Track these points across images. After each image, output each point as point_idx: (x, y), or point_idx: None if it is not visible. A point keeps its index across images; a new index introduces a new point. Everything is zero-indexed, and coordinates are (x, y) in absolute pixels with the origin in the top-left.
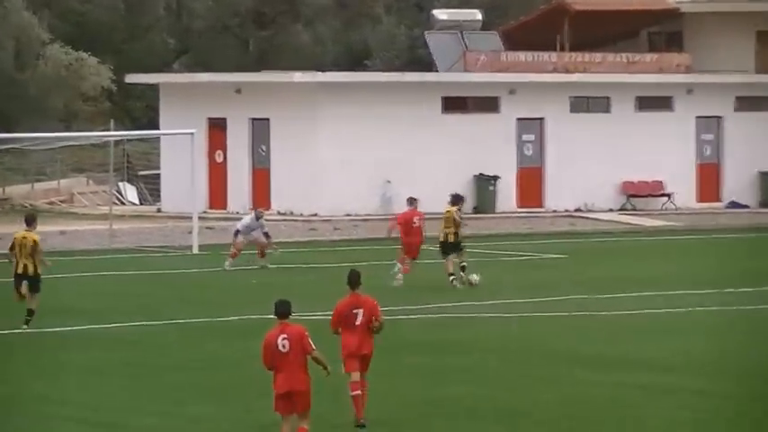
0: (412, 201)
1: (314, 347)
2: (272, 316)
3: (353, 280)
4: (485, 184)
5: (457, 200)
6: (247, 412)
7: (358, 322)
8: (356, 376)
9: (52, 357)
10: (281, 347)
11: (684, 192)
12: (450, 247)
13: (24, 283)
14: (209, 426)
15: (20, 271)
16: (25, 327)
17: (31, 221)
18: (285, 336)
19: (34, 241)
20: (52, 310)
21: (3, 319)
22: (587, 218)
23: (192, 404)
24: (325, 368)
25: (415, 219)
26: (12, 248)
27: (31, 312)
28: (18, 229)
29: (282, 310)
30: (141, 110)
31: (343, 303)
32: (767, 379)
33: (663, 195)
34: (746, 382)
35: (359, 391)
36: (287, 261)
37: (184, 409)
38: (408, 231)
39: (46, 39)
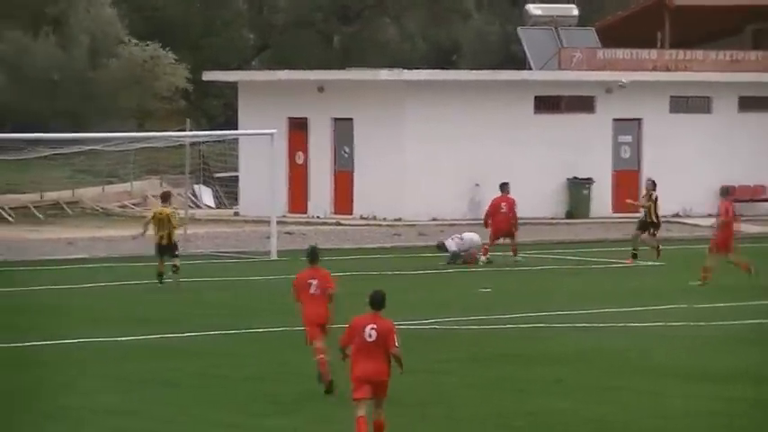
0: (503, 186)
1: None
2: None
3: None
4: (578, 187)
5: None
6: (325, 424)
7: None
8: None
9: (122, 367)
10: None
11: None
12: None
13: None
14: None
15: (162, 242)
16: (171, 278)
17: (166, 198)
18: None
19: (168, 216)
20: (127, 319)
21: (73, 328)
22: (685, 223)
23: (268, 416)
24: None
25: (503, 204)
26: (148, 223)
27: (175, 268)
28: (89, 233)
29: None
30: (219, 109)
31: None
32: None
33: (766, 200)
34: None
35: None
36: (373, 268)
37: (260, 422)
38: (495, 216)
39: (124, 37)
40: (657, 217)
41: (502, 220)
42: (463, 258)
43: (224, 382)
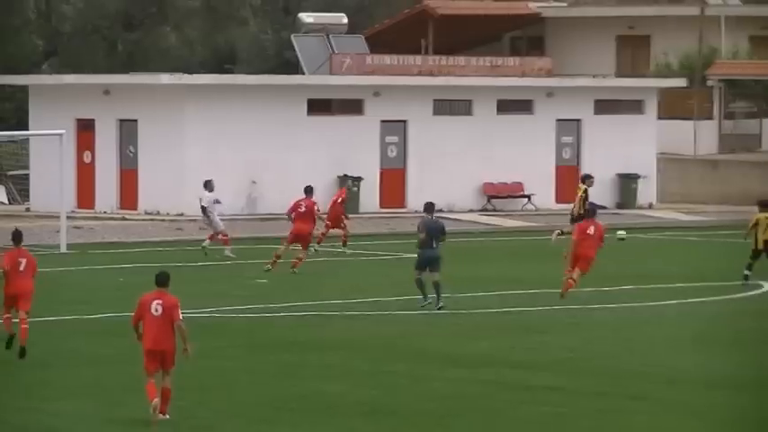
0: (308, 190)
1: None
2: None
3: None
4: (348, 184)
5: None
6: (114, 407)
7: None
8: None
9: None
10: (153, 311)
11: (543, 193)
12: None
13: None
14: (73, 421)
15: None
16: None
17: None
18: (160, 302)
19: None
20: None
21: None
22: (449, 218)
23: (58, 400)
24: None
25: (303, 204)
26: None
27: None
28: None
29: (162, 280)
30: (11, 111)
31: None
32: (611, 375)
33: (522, 196)
34: (595, 378)
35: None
36: (153, 260)
37: (48, 405)
38: (298, 217)
39: None
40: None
41: (304, 220)
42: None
43: (11, 368)
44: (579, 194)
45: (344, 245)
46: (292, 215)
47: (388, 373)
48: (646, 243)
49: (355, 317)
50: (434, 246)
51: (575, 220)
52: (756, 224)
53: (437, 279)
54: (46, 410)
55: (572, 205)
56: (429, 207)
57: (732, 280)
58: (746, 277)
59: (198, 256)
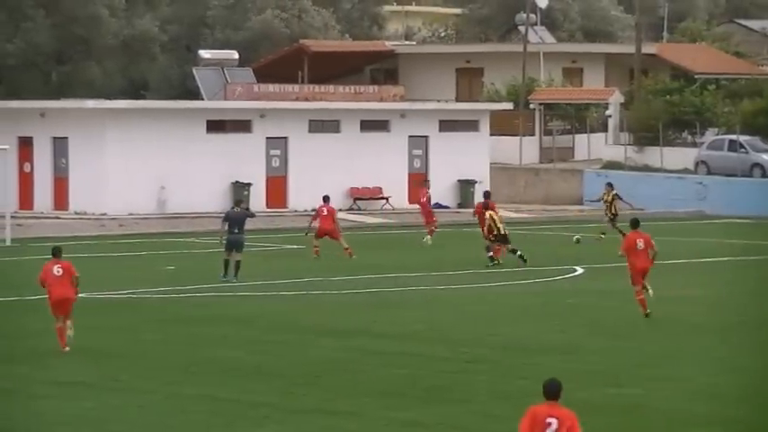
0: (326, 198)
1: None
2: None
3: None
4: (240, 189)
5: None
6: (51, 371)
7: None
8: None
9: None
10: (55, 272)
11: (398, 195)
12: None
13: None
14: (19, 382)
15: None
16: None
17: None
18: (60, 267)
19: None
20: None
21: None
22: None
23: (2, 364)
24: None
25: (325, 209)
26: None
27: None
28: None
29: (56, 251)
30: None
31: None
32: (454, 343)
33: (382, 198)
34: (451, 347)
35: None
36: (82, 252)
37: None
38: (322, 218)
39: None
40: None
41: (328, 221)
42: None
43: None
44: (607, 198)
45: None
46: (317, 218)
47: (274, 342)
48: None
49: (247, 296)
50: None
51: (612, 219)
52: None
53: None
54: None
55: (603, 208)
56: (237, 202)
57: (553, 265)
58: None
59: (118, 247)
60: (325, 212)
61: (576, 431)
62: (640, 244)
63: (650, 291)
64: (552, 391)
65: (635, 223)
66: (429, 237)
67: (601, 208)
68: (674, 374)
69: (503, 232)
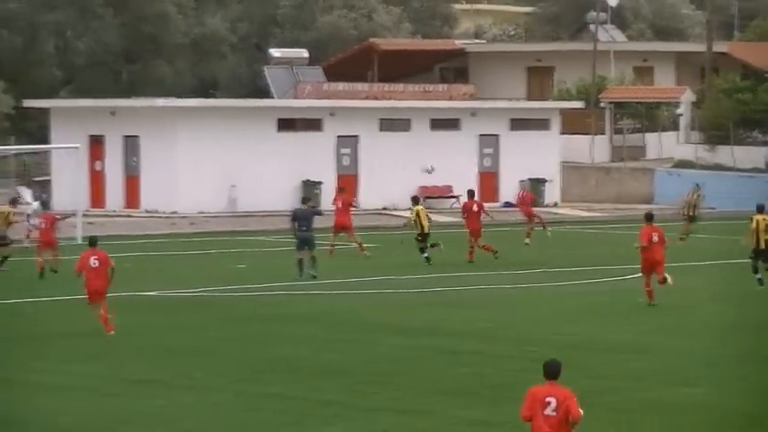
0: (341, 189)
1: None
2: (144, 293)
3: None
4: (311, 188)
5: None
6: (124, 369)
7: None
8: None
9: None
10: (92, 263)
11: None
12: None
13: None
14: (93, 380)
15: None
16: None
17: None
18: (97, 258)
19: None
20: None
21: None
22: (392, 214)
23: (78, 363)
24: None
25: (474, 206)
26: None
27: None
28: None
29: (93, 241)
30: (36, 128)
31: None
32: (520, 342)
33: (451, 197)
34: (518, 345)
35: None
36: (152, 250)
37: (71, 367)
38: (470, 217)
39: None
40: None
41: (474, 219)
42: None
43: (38, 338)
44: (692, 198)
45: (543, 230)
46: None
47: (342, 340)
48: (553, 234)
49: (315, 295)
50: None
51: (690, 220)
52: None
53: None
54: (59, 371)
55: (682, 208)
56: (304, 200)
57: (621, 264)
58: (760, 281)
59: (188, 245)
60: (340, 205)
61: (573, 408)
62: (655, 237)
63: (670, 280)
64: (552, 371)
65: (649, 217)
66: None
67: (678, 208)
68: (746, 374)
69: (426, 231)
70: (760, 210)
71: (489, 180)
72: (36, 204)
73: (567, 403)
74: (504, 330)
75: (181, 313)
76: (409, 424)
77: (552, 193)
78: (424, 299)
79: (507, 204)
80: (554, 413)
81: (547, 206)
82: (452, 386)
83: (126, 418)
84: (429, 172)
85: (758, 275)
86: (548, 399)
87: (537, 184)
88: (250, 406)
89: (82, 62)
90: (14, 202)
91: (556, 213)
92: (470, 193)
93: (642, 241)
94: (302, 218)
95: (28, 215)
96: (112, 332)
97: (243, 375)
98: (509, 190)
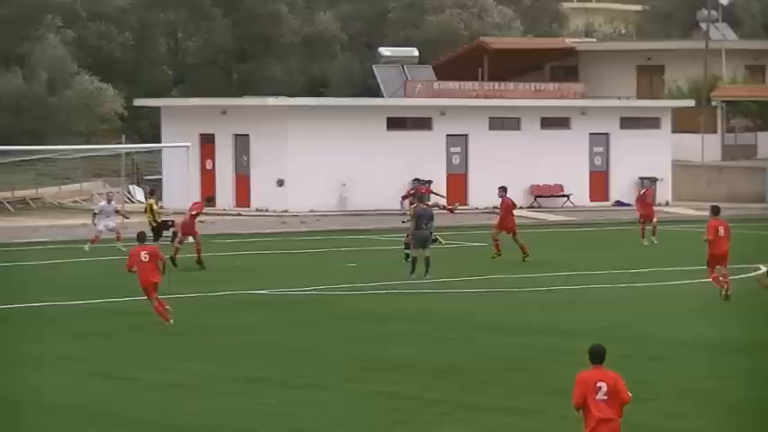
0: (504, 189)
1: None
2: (256, 291)
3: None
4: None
5: None
6: (236, 367)
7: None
8: None
9: (73, 324)
10: (143, 258)
11: (580, 193)
12: None
13: None
14: (206, 379)
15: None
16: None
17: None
18: (147, 252)
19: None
20: (79, 287)
21: (37, 295)
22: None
23: (191, 362)
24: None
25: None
26: None
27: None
28: (49, 222)
29: (141, 236)
30: (147, 127)
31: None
32: (635, 341)
33: (562, 196)
34: (633, 345)
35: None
36: (263, 248)
37: (185, 366)
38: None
39: (75, 70)
40: None
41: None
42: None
43: (153, 335)
44: None
45: (652, 233)
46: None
47: (451, 339)
48: (663, 234)
49: (426, 294)
50: (426, 228)
51: None
52: None
53: (428, 255)
54: (174, 369)
55: None
56: (420, 199)
57: (739, 263)
58: None
59: (299, 244)
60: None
61: (623, 390)
62: (721, 231)
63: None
64: (599, 355)
65: (716, 211)
66: (651, 236)
67: None
68: None
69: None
70: None
71: (600, 179)
72: (103, 203)
73: (618, 386)
74: (619, 330)
75: (291, 312)
76: (520, 423)
77: (663, 191)
78: (536, 298)
79: (618, 203)
80: (605, 397)
81: (658, 205)
82: (564, 385)
83: (239, 416)
84: (280, 185)
85: None
86: (599, 384)
87: (648, 183)
88: (361, 404)
89: (193, 61)
90: (153, 193)
91: (667, 212)
92: (503, 190)
93: (708, 234)
94: (423, 216)
95: (95, 214)
96: (171, 321)
97: (353, 374)
98: (619, 189)
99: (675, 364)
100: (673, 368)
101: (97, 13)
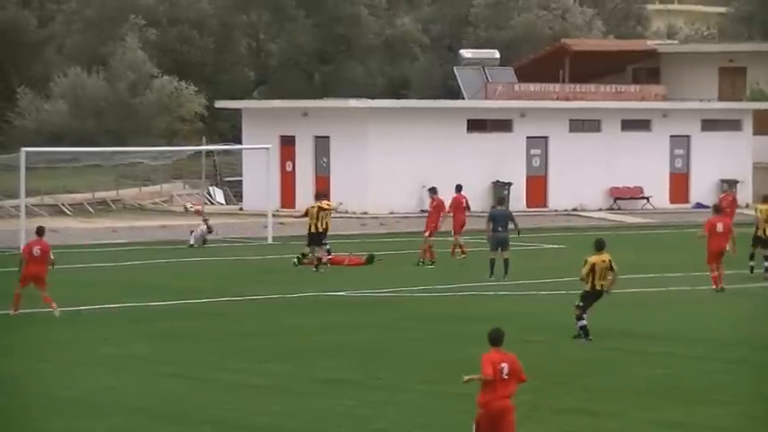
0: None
1: None
2: (333, 293)
3: None
4: (500, 188)
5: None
6: (314, 369)
7: None
8: None
9: (153, 325)
10: (35, 253)
11: (660, 195)
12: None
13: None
14: (284, 380)
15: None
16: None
17: (321, 197)
18: (39, 248)
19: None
20: (158, 289)
21: (116, 296)
22: (581, 216)
23: (270, 363)
24: None
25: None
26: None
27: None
28: (129, 223)
29: (40, 230)
30: (227, 129)
31: None
32: (712, 343)
33: (642, 198)
34: (713, 347)
35: None
36: (342, 250)
37: (263, 367)
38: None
39: (155, 72)
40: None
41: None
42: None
43: (231, 336)
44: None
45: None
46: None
47: (531, 341)
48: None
49: (506, 296)
50: (503, 230)
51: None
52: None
53: (507, 257)
54: (253, 370)
55: None
56: (499, 201)
57: None
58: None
59: (379, 246)
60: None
61: (521, 372)
62: (719, 227)
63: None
64: (498, 339)
65: (717, 209)
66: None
67: None
68: None
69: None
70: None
71: (680, 181)
72: (204, 228)
73: (517, 367)
74: (698, 332)
75: (369, 313)
76: (601, 425)
77: (744, 193)
78: (614, 300)
79: (698, 206)
80: (506, 376)
81: (738, 207)
82: (643, 387)
83: (319, 417)
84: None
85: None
86: (502, 364)
87: (729, 186)
88: (440, 406)
89: (275, 63)
90: (325, 196)
91: (748, 215)
92: (458, 188)
93: (704, 231)
94: (499, 219)
95: (192, 232)
96: (56, 307)
97: (431, 375)
98: (700, 191)
99: (756, 366)
100: (753, 370)
101: (178, 18)
